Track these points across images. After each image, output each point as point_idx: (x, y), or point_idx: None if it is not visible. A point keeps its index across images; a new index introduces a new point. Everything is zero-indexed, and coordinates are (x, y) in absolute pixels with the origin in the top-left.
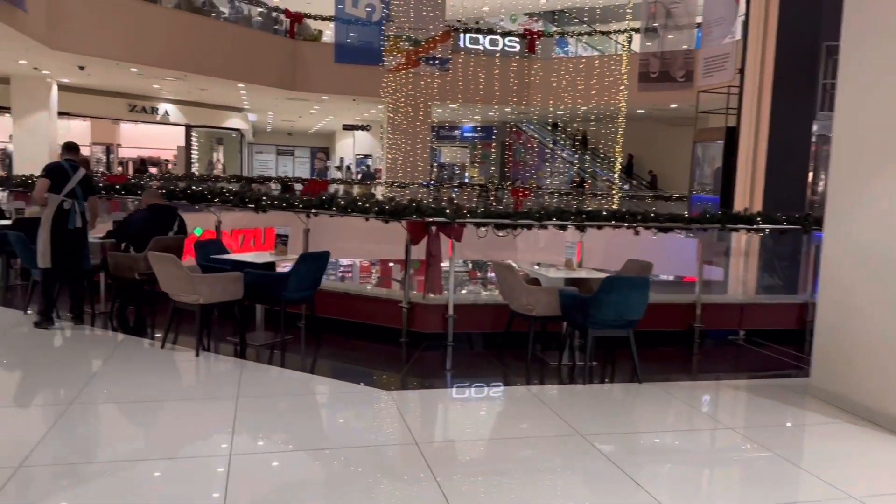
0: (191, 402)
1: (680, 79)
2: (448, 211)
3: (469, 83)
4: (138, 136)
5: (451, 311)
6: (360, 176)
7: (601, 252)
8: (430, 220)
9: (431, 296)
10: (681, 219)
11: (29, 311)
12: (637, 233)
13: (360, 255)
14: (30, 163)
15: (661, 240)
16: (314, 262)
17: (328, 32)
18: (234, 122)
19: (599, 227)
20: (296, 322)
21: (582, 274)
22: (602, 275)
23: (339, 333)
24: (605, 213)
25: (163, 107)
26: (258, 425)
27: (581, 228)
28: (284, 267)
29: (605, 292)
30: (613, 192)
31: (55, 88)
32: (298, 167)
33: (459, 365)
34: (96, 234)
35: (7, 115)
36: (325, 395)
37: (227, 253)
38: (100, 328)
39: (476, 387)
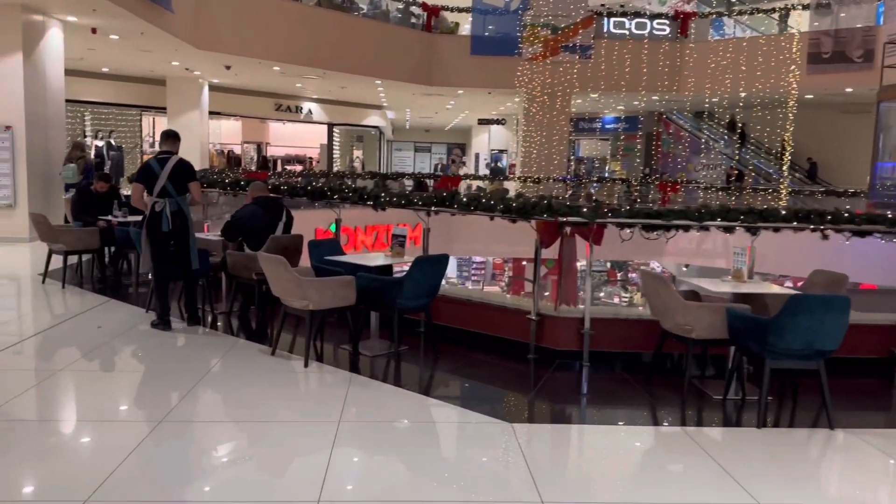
0: (289, 424)
1: (857, 59)
2: (585, 209)
3: (612, 70)
4: (286, 135)
5: (587, 326)
6: (490, 171)
7: (774, 259)
8: (565, 219)
9: (564, 307)
10: (882, 220)
11: (148, 311)
12: (826, 237)
13: (484, 257)
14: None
15: (850, 244)
16: (431, 267)
17: (465, 26)
18: (374, 119)
19: (776, 230)
20: (414, 329)
21: (756, 288)
22: (781, 290)
23: (459, 345)
24: (783, 211)
25: (306, 105)
26: (355, 464)
27: (753, 231)
28: (402, 271)
29: (791, 315)
30: (782, 187)
31: (206, 89)
32: (435, 163)
33: (597, 391)
34: (214, 230)
35: (164, 115)
36: (439, 424)
37: (342, 253)
38: (215, 330)
39: (616, 423)
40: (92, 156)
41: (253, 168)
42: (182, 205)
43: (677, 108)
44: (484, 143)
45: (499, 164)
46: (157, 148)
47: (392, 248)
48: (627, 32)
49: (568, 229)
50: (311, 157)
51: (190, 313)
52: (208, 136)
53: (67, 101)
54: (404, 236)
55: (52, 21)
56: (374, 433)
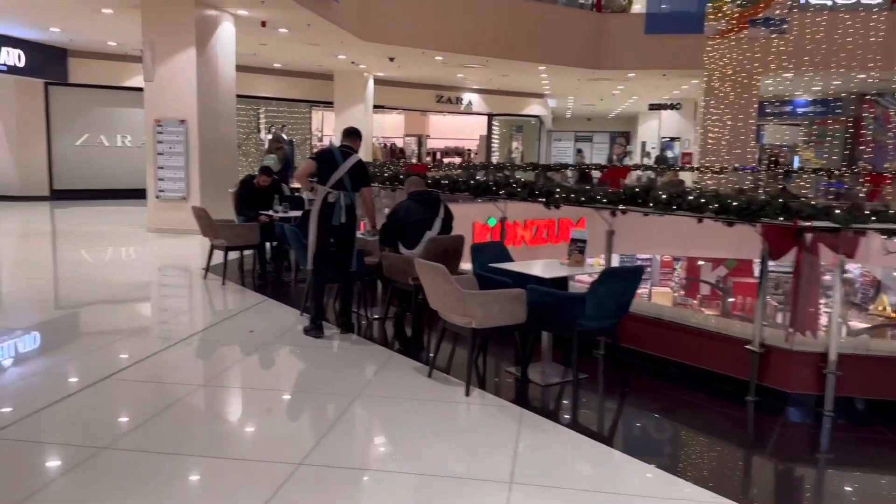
0: (451, 481)
1: None
2: (838, 211)
3: (811, 46)
4: (446, 127)
5: (832, 364)
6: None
7: None
8: (807, 224)
9: (799, 337)
10: None
11: (303, 314)
12: None
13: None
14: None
15: None
16: (622, 282)
17: (636, 6)
18: (534, 108)
19: None
20: (592, 350)
21: None
22: None
23: (652, 375)
24: None
25: (467, 96)
26: None
27: None
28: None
29: None
30: None
31: (371, 82)
32: (596, 153)
33: (845, 452)
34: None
35: (332, 109)
36: (630, 497)
37: (508, 259)
38: (369, 339)
39: None
40: (265, 150)
41: (414, 161)
42: (355, 201)
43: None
44: (652, 130)
45: (668, 152)
46: (325, 143)
47: (570, 255)
48: (829, 2)
49: (809, 236)
50: (469, 150)
51: (344, 319)
52: (372, 129)
53: (243, 96)
54: (584, 241)
55: (224, 15)
56: (552, 499)
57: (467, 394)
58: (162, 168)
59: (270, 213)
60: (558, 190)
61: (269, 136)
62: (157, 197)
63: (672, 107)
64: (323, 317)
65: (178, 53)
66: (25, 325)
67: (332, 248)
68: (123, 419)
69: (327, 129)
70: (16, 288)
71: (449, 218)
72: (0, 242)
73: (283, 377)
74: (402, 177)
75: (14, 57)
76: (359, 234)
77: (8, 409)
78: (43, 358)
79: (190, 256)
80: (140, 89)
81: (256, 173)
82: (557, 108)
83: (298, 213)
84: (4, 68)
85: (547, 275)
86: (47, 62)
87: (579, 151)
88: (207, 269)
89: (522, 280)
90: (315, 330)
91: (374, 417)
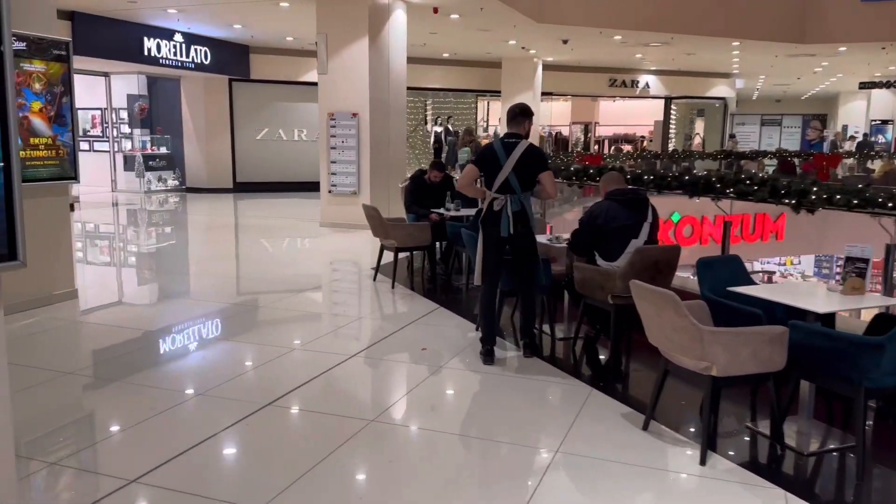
0: None
1: None
2: None
3: None
4: (615, 113)
5: None
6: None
7: None
8: None
9: None
10: None
11: (478, 329)
12: None
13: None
14: None
15: None
16: None
17: None
18: (720, 90)
19: None
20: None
21: None
22: None
23: None
24: None
25: (643, 79)
26: None
27: None
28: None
29: None
30: None
31: (540, 68)
32: (786, 139)
33: None
34: (559, 232)
35: (498, 99)
36: None
37: (747, 280)
38: (559, 368)
39: None
40: (432, 141)
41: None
42: (526, 204)
43: None
44: (857, 112)
45: (879, 137)
46: (490, 133)
47: (844, 279)
48: None
49: None
50: (642, 136)
51: (527, 340)
52: (539, 118)
53: (410, 88)
54: (867, 261)
55: (396, 3)
56: None
57: (703, 462)
58: (334, 162)
59: (441, 210)
60: (815, 189)
61: (462, 129)
62: (329, 191)
63: (889, 85)
64: (493, 340)
65: (350, 45)
66: (202, 318)
67: (506, 256)
68: (277, 466)
69: (493, 118)
70: (201, 279)
71: (657, 223)
72: (190, 234)
73: (458, 415)
74: (591, 171)
75: (201, 55)
76: (542, 240)
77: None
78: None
79: (360, 254)
80: (315, 84)
81: (427, 167)
82: (743, 88)
83: (471, 212)
84: (192, 66)
85: (819, 308)
86: (231, 59)
87: (731, 136)
88: (377, 270)
89: (776, 316)
90: (484, 355)
91: (584, 492)
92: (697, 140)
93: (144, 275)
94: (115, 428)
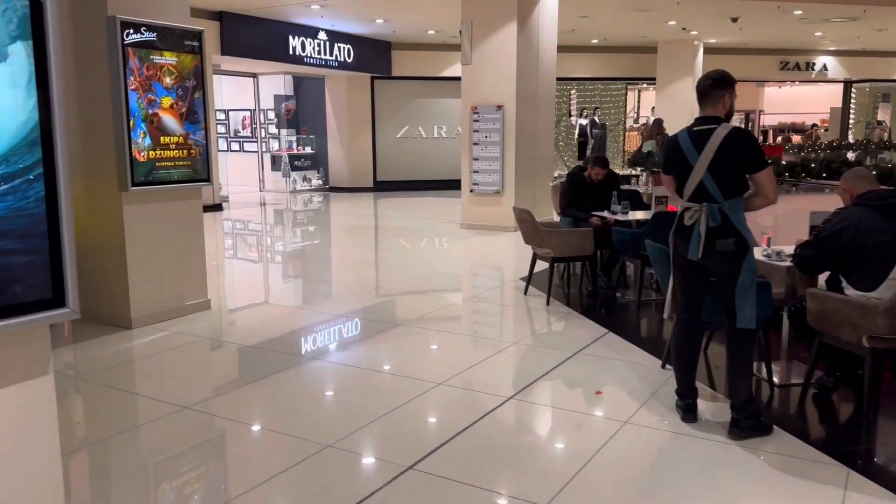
0: None
1: None
2: None
3: None
4: (781, 101)
5: None
6: None
7: None
8: None
9: None
10: None
11: (665, 366)
12: None
13: None
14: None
15: None
16: None
17: None
18: None
19: None
20: None
21: None
22: None
23: None
24: None
25: (820, 60)
26: None
27: None
28: None
29: None
30: None
31: (701, 51)
32: None
33: None
34: (780, 244)
35: (649, 87)
36: None
37: None
38: (791, 434)
39: None
40: (576, 135)
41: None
42: (732, 216)
43: None
44: None
45: None
46: (639, 123)
47: None
48: None
49: None
50: (814, 124)
51: (736, 413)
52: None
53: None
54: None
55: None
56: None
57: None
58: (476, 159)
59: (605, 214)
60: None
61: (651, 119)
62: (471, 191)
63: None
64: (693, 393)
65: (497, 31)
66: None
67: (694, 288)
68: None
69: (644, 109)
70: (339, 289)
71: None
72: (330, 235)
73: None
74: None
75: (344, 53)
76: (759, 255)
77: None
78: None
79: (505, 260)
80: (456, 79)
81: (585, 163)
82: None
83: (642, 215)
84: (336, 64)
85: None
86: (373, 56)
87: (879, 123)
88: (528, 282)
89: None
90: (682, 410)
91: None
92: (879, 130)
93: (281, 281)
94: (229, 487)
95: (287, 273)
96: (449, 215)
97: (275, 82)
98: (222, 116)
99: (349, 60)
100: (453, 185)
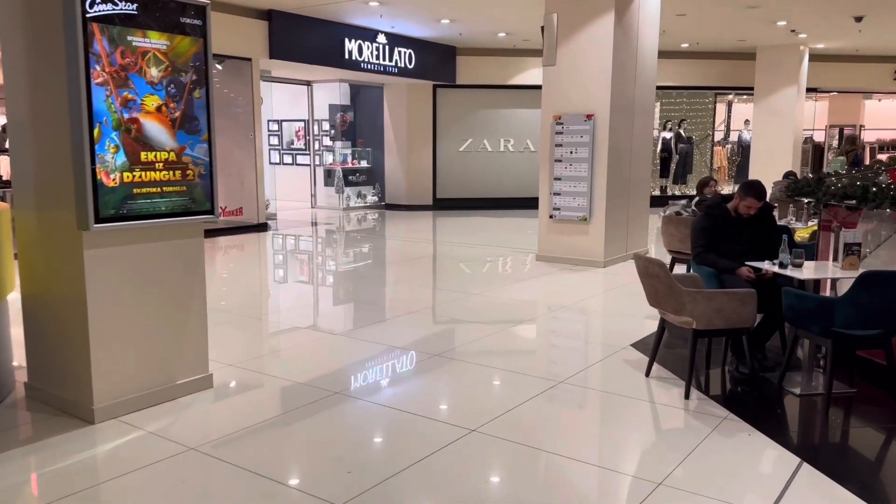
0: None
1: None
2: None
3: None
4: (881, 115)
5: None
6: None
7: None
8: None
9: None
10: None
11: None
12: None
13: None
14: (767, 155)
15: None
16: None
17: None
18: None
19: None
20: None
21: None
22: None
23: None
24: None
25: None
26: None
27: None
28: None
29: None
30: None
31: (806, 58)
32: None
33: None
34: None
35: (745, 97)
36: None
37: None
38: None
39: None
40: (658, 150)
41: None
42: None
43: None
44: None
45: None
46: (732, 138)
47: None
48: None
49: None
50: None
51: None
52: (802, 121)
53: None
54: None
55: None
56: None
57: None
58: (559, 179)
59: (765, 265)
60: None
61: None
62: (550, 216)
63: None
64: None
65: (588, 25)
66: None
67: None
68: None
69: (737, 121)
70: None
71: None
72: (381, 268)
73: None
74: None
75: (405, 58)
76: None
77: None
78: None
79: (601, 312)
80: (526, 87)
81: (733, 192)
82: None
83: (810, 267)
84: (395, 70)
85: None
86: (436, 62)
87: None
88: (653, 359)
89: None
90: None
91: None
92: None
93: (308, 342)
94: None
95: (310, 337)
96: (520, 242)
97: (330, 91)
98: (275, 127)
99: (410, 66)
100: (520, 204)
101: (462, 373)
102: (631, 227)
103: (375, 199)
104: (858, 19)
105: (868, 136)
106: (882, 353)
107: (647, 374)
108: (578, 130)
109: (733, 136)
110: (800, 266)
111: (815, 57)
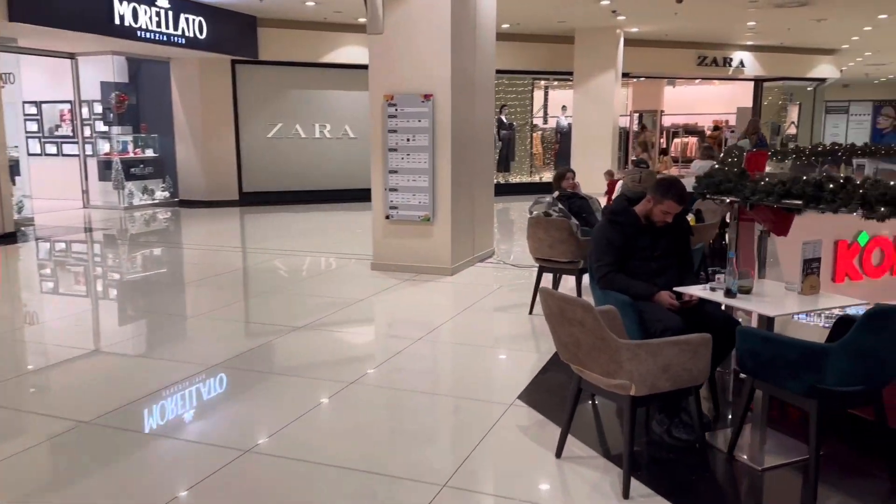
0: None
1: None
2: None
3: None
4: (679, 101)
5: None
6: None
7: None
8: None
9: None
10: None
11: None
12: None
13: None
14: (589, 141)
15: None
16: None
17: None
18: (822, 69)
19: None
20: None
21: None
22: None
23: None
24: None
25: (737, 56)
26: None
27: None
28: None
29: None
30: None
31: (622, 42)
32: (853, 128)
33: None
34: None
35: (563, 82)
36: None
37: None
38: None
39: None
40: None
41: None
42: None
43: None
44: None
45: None
46: (549, 125)
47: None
48: None
49: None
50: (717, 126)
51: None
52: (619, 107)
53: None
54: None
55: None
56: None
57: None
58: (395, 172)
59: (696, 290)
60: None
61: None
62: (387, 217)
63: None
64: None
65: None
66: None
67: None
68: None
69: (554, 107)
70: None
71: None
72: (169, 298)
73: None
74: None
75: (194, 27)
76: None
77: None
78: None
79: (462, 347)
80: (344, 66)
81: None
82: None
83: (763, 295)
84: (182, 41)
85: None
86: (234, 34)
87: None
88: (566, 436)
89: None
90: None
91: None
92: (793, 131)
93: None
94: None
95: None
96: (349, 246)
97: (101, 65)
98: (33, 111)
99: (201, 37)
100: (344, 196)
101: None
102: (477, 226)
103: (166, 194)
104: (679, 0)
105: (665, 122)
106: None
107: (559, 454)
108: (415, 114)
109: (551, 123)
110: (748, 292)
111: (631, 42)
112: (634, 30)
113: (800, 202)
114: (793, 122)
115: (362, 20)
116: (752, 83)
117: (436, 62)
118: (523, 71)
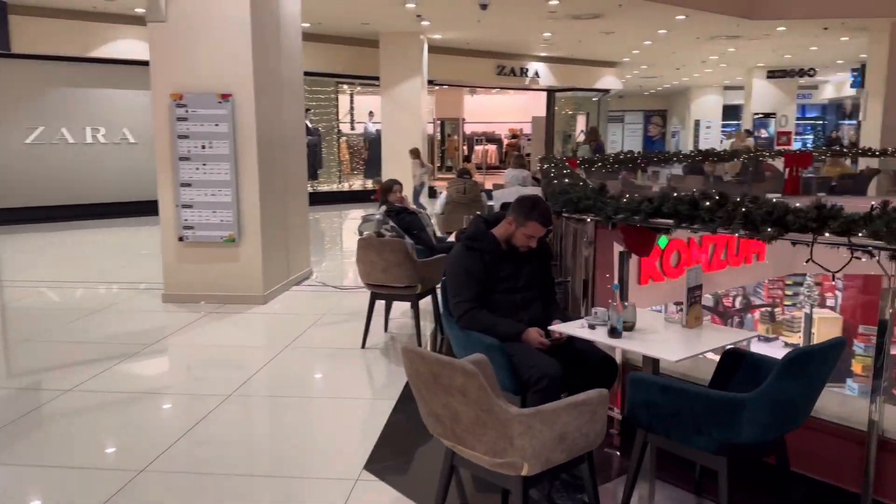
0: None
1: None
2: None
3: None
4: (479, 109)
5: None
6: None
7: None
8: None
9: None
10: None
11: None
12: None
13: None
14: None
15: None
16: None
17: None
18: (606, 81)
19: None
20: None
21: None
22: None
23: None
24: None
25: (532, 66)
26: None
27: None
28: None
29: None
30: None
31: (426, 48)
32: (628, 136)
33: None
34: None
35: (370, 86)
36: None
37: None
38: None
39: None
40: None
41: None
42: None
43: None
44: (707, 106)
45: (758, 132)
46: (357, 129)
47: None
48: None
49: None
50: (515, 135)
51: None
52: (424, 113)
53: None
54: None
55: None
56: None
57: None
58: (188, 185)
59: (573, 326)
60: None
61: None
62: (180, 239)
63: (803, 73)
64: None
65: None
66: None
67: None
68: None
69: (361, 113)
70: None
71: None
72: None
73: None
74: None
75: None
76: None
77: None
78: None
79: (288, 403)
80: (119, 62)
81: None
82: (630, 81)
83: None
84: None
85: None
86: None
87: (748, 132)
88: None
89: None
90: None
91: None
92: (582, 139)
93: None
94: None
95: None
96: (134, 271)
97: None
98: None
99: None
100: (125, 210)
101: None
102: (292, 243)
103: None
104: (484, 6)
105: (467, 129)
106: None
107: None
108: (211, 116)
109: (359, 128)
110: (632, 329)
111: (432, 49)
112: (438, 36)
113: (671, 221)
114: (582, 131)
115: (140, 11)
116: (545, 93)
117: (235, 58)
118: (327, 74)
